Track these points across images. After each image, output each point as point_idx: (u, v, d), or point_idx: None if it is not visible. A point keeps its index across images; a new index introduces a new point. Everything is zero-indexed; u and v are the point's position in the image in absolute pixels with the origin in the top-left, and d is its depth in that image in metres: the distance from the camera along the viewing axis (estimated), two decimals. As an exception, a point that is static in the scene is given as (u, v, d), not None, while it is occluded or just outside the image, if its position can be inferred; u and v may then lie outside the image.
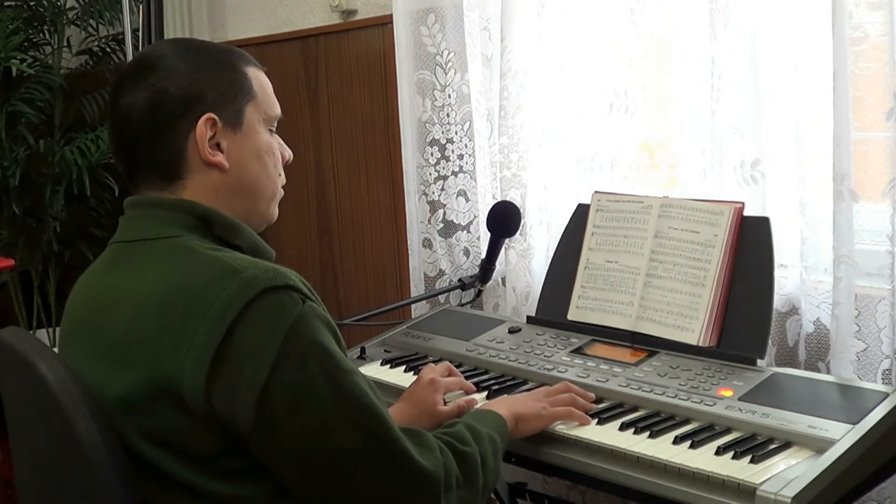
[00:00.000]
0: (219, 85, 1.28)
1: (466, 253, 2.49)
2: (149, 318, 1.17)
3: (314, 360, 1.16)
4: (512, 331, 1.94)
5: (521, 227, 2.19)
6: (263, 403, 1.13)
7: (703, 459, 1.37)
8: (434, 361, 1.85)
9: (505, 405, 1.50)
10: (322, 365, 1.16)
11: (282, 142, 1.39)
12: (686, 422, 1.52)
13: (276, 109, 1.37)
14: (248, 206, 1.33)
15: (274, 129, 1.37)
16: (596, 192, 1.97)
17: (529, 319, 1.98)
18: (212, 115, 1.27)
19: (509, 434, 1.46)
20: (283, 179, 1.40)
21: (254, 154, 1.32)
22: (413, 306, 2.44)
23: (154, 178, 1.29)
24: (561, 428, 1.52)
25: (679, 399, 1.56)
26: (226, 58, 1.32)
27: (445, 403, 1.58)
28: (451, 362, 1.82)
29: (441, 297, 2.41)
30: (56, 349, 1.31)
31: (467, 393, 1.65)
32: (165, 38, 3.11)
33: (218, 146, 1.28)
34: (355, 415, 1.18)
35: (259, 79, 1.35)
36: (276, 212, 1.40)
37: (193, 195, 1.28)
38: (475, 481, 1.30)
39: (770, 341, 1.73)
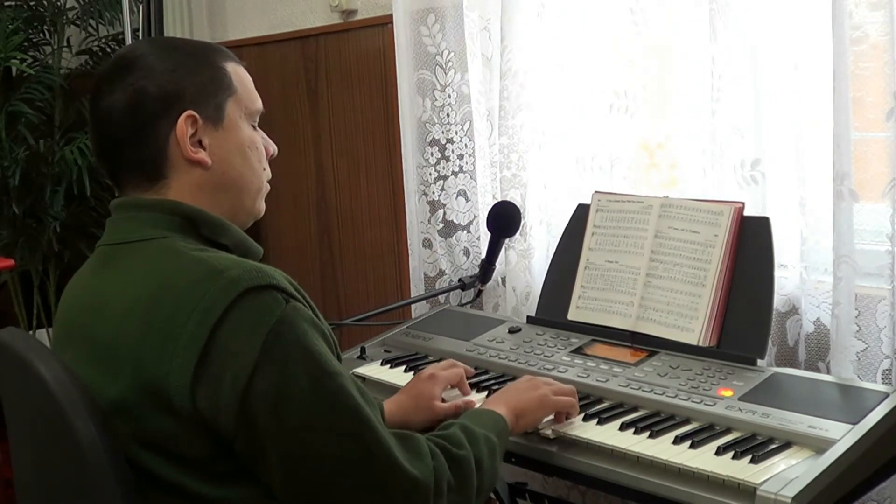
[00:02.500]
0: (198, 82, 1.28)
1: (466, 253, 2.49)
2: (135, 321, 1.17)
3: (297, 362, 1.14)
4: (512, 331, 1.94)
5: (521, 227, 2.19)
6: (245, 406, 1.12)
7: (703, 459, 1.37)
8: (438, 361, 1.85)
9: (504, 403, 1.47)
10: (305, 367, 1.15)
11: (266, 136, 1.39)
12: (686, 422, 1.52)
13: (258, 104, 1.36)
14: (233, 202, 1.33)
15: (256, 123, 1.37)
16: (596, 192, 1.97)
17: (529, 319, 1.98)
18: (192, 112, 1.26)
19: (509, 432, 1.44)
20: (268, 174, 1.39)
21: (236, 149, 1.32)
22: (413, 306, 2.44)
23: (138, 178, 1.28)
24: (563, 429, 1.52)
25: (679, 399, 1.56)
26: (204, 54, 1.32)
27: (444, 401, 1.58)
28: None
29: (441, 297, 2.41)
30: (52, 351, 1.31)
31: (460, 389, 1.65)
32: (164, 37, 3.11)
33: (200, 143, 1.28)
34: (339, 418, 1.16)
35: (239, 74, 1.34)
36: (262, 207, 1.39)
37: (178, 194, 1.28)
38: (469, 485, 1.28)
39: (770, 341, 1.73)
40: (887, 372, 1.70)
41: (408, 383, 1.63)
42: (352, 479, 1.17)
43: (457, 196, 2.48)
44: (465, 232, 2.49)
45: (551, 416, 1.53)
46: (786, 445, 1.40)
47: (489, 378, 1.76)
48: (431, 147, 2.47)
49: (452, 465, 1.27)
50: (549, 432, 1.50)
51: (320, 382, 1.16)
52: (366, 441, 1.17)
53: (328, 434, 1.15)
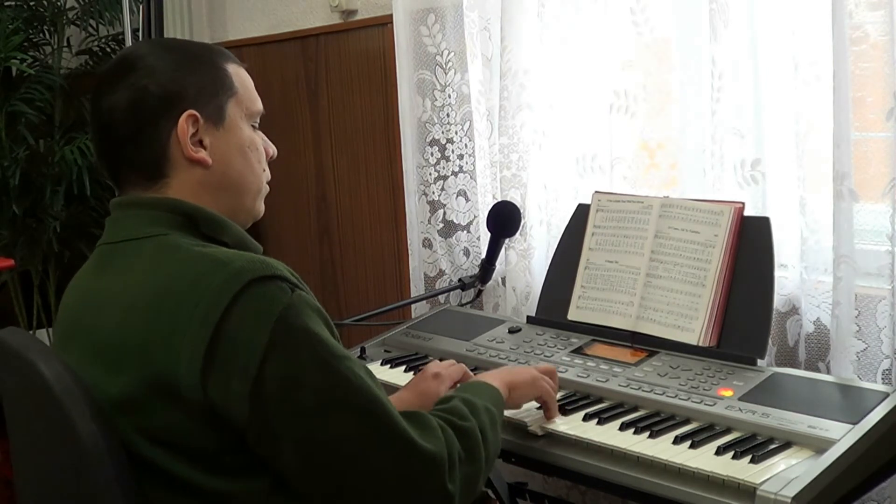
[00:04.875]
0: (199, 82, 1.28)
1: (466, 253, 2.49)
2: (139, 317, 1.17)
3: (305, 347, 1.16)
4: (512, 331, 1.94)
5: (521, 227, 2.19)
6: (256, 394, 1.13)
7: (703, 459, 1.37)
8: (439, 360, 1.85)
9: (497, 376, 1.50)
10: (313, 352, 1.16)
11: (265, 137, 1.39)
12: (686, 422, 1.52)
13: (258, 105, 1.37)
14: (233, 202, 1.33)
15: (257, 124, 1.37)
16: (596, 192, 1.97)
17: (529, 319, 1.98)
18: (193, 111, 1.27)
19: (504, 403, 1.46)
20: (267, 175, 1.40)
21: (237, 150, 1.32)
22: (413, 306, 2.44)
23: (138, 177, 1.29)
24: (562, 428, 1.52)
25: (679, 399, 1.56)
26: (205, 55, 1.33)
27: None
28: (451, 362, 1.83)
29: (441, 297, 2.41)
30: (53, 351, 1.31)
31: None
32: (166, 38, 3.11)
33: (201, 143, 1.29)
34: (351, 399, 1.17)
35: (240, 75, 1.35)
36: (261, 208, 1.39)
37: (178, 193, 1.28)
38: (478, 455, 1.29)
39: (770, 341, 1.73)
40: (887, 372, 1.70)
41: (411, 381, 1.63)
42: (368, 458, 1.18)
43: (457, 196, 2.48)
44: (465, 232, 2.49)
45: (540, 411, 1.55)
46: (786, 445, 1.40)
47: (489, 378, 1.76)
48: (431, 147, 2.47)
49: (460, 436, 1.28)
50: (537, 429, 1.53)
51: (331, 365, 1.17)
52: (380, 420, 1.19)
53: (342, 415, 1.16)
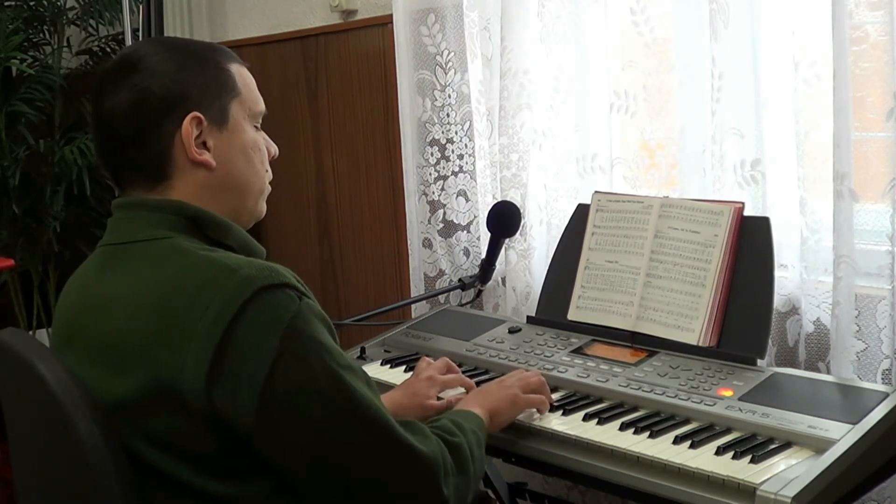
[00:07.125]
0: (203, 83, 1.28)
1: (466, 253, 2.49)
2: (145, 321, 1.17)
3: (313, 356, 1.16)
4: (512, 331, 1.94)
5: (521, 227, 2.19)
6: (264, 401, 1.13)
7: (703, 459, 1.37)
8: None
9: (478, 404, 1.50)
10: (320, 361, 1.17)
11: (267, 137, 1.39)
12: (686, 422, 1.52)
13: (261, 105, 1.36)
14: (236, 203, 1.33)
15: (259, 125, 1.37)
16: (596, 192, 1.97)
17: (529, 319, 1.98)
18: (197, 113, 1.26)
19: (486, 430, 1.46)
20: (269, 175, 1.39)
21: (240, 151, 1.32)
22: (413, 306, 2.44)
23: (141, 179, 1.28)
24: (562, 428, 1.52)
25: (679, 399, 1.56)
26: (208, 55, 1.32)
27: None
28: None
29: (441, 297, 2.41)
30: (52, 352, 1.31)
31: (467, 389, 1.65)
32: (167, 37, 3.11)
33: (204, 144, 1.28)
34: (355, 408, 1.18)
35: (242, 75, 1.34)
36: (263, 208, 1.39)
37: (181, 195, 1.27)
38: (467, 469, 1.31)
39: (770, 341, 1.73)
40: (887, 372, 1.70)
41: (405, 381, 1.64)
42: (369, 463, 1.20)
43: (457, 196, 2.48)
44: (465, 232, 2.49)
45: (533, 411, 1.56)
46: (786, 445, 1.41)
47: (489, 378, 1.75)
48: (431, 147, 2.47)
49: (451, 450, 1.30)
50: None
51: (335, 375, 1.18)
52: (381, 427, 1.20)
53: (346, 423, 1.18)
